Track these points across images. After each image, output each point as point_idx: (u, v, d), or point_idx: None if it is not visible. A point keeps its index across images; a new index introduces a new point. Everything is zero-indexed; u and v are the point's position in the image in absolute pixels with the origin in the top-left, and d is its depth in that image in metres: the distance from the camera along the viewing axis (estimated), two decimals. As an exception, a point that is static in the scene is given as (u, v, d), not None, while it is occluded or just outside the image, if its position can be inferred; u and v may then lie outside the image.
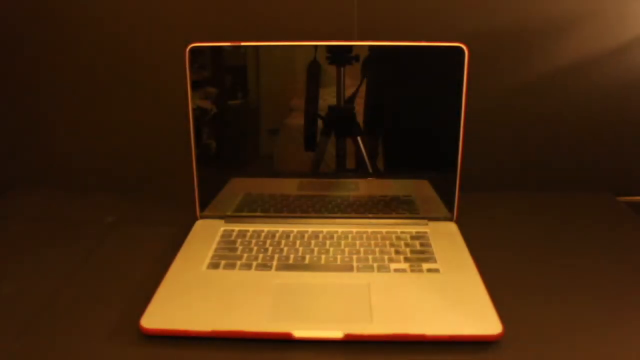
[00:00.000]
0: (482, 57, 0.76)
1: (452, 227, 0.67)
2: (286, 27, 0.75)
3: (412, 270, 0.58)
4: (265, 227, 0.67)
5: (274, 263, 0.60)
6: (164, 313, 0.52)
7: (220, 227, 0.68)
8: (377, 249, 0.62)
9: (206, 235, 0.66)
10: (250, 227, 0.67)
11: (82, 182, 0.84)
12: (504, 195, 0.79)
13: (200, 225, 0.69)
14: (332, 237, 0.65)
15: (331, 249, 0.62)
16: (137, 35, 0.77)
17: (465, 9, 0.74)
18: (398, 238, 0.65)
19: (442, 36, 0.75)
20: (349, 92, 0.65)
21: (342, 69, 0.65)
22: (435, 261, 0.60)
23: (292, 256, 0.61)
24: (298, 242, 0.64)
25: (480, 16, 0.74)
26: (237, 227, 0.67)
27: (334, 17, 0.75)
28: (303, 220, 0.68)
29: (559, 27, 0.74)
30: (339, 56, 0.64)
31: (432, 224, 0.68)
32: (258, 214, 0.70)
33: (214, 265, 0.59)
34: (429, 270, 0.58)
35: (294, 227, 0.67)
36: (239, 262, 0.60)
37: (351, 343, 0.49)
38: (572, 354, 0.48)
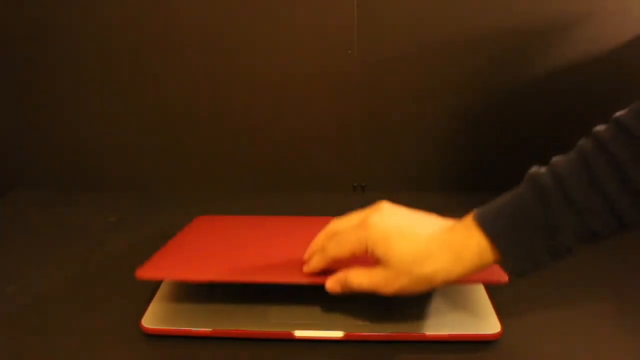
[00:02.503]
0: (482, 57, 0.76)
1: None
2: (286, 26, 0.76)
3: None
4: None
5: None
6: (164, 313, 0.52)
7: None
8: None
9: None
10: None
11: (82, 182, 0.84)
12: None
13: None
14: None
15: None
16: (138, 36, 0.77)
17: (465, 9, 0.74)
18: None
19: (442, 36, 0.75)
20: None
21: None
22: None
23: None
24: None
25: (481, 16, 0.74)
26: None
27: (333, 16, 0.75)
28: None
29: (559, 27, 0.74)
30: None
31: None
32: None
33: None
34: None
35: None
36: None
37: (351, 343, 0.49)
38: (571, 354, 0.48)
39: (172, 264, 0.53)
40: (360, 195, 0.82)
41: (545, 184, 0.42)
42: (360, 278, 0.45)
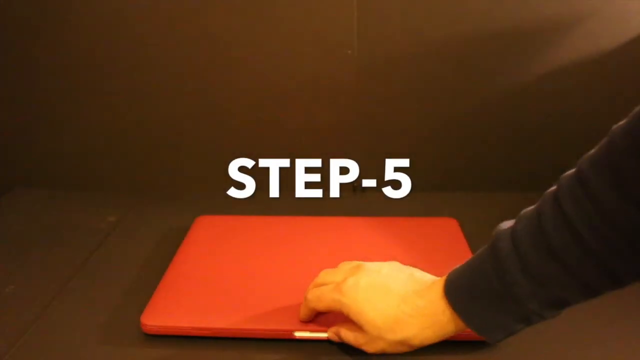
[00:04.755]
0: (482, 57, 0.76)
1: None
2: (285, 26, 0.76)
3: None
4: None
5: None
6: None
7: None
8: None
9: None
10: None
11: (82, 182, 0.84)
12: (504, 195, 0.79)
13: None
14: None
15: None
16: (138, 36, 0.77)
17: (465, 10, 0.74)
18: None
19: (443, 36, 0.75)
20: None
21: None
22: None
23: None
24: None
25: (481, 16, 0.74)
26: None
27: (333, 16, 0.75)
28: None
29: (559, 27, 0.74)
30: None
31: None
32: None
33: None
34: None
35: None
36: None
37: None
38: (571, 353, 0.48)
39: (176, 308, 0.52)
40: (360, 195, 0.82)
41: (503, 252, 0.40)
42: (349, 336, 0.47)
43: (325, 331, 0.49)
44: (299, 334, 0.49)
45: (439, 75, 0.77)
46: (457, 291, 0.42)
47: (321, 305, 0.47)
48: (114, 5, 0.75)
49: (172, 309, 0.52)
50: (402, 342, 0.44)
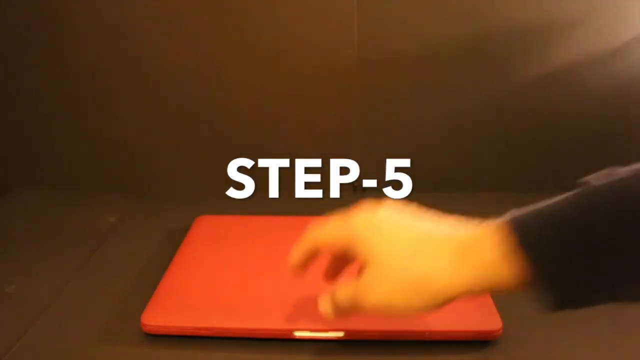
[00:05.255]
0: (483, 57, 0.76)
1: None
2: (286, 26, 0.76)
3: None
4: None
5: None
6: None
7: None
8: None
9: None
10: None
11: (82, 182, 0.84)
12: (503, 195, 0.79)
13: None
14: None
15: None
16: (138, 36, 0.77)
17: (465, 10, 0.74)
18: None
19: (443, 36, 0.75)
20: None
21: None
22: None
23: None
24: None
25: (480, 16, 0.74)
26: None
27: (333, 16, 0.75)
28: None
29: (559, 27, 0.74)
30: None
31: None
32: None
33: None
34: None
35: None
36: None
37: (351, 343, 0.49)
38: (571, 351, 0.48)
39: (176, 308, 0.52)
40: (360, 195, 0.82)
41: (609, 206, 0.31)
42: (346, 290, 0.37)
43: (325, 331, 0.49)
44: (299, 334, 0.49)
45: (439, 76, 0.77)
46: (529, 231, 0.32)
47: (323, 234, 0.38)
48: (114, 7, 0.75)
49: (172, 309, 0.52)
50: (417, 282, 0.33)
